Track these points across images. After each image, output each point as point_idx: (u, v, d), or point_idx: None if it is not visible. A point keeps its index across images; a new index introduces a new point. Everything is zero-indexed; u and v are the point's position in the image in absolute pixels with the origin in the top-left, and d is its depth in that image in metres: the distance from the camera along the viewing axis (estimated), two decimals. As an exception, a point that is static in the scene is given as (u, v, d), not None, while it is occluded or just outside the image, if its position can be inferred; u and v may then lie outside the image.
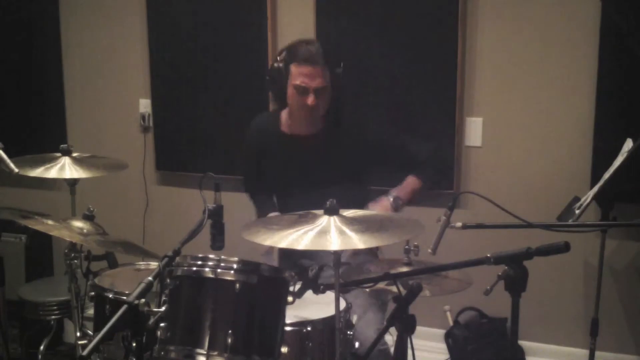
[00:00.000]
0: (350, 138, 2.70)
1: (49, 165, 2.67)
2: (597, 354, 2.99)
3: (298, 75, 2.54)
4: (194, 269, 1.92)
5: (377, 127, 2.88)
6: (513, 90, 3.22)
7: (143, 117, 3.87)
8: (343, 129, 2.71)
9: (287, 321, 2.04)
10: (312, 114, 2.61)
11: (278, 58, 2.61)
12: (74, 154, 2.75)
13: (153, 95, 3.83)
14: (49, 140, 3.76)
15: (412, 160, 2.73)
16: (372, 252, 2.68)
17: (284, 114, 2.77)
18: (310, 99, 2.54)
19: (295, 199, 2.58)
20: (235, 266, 1.90)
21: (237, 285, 1.88)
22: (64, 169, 2.68)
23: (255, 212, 2.92)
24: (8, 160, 2.34)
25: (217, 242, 2.04)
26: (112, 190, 3.89)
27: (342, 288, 2.04)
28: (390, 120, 3.33)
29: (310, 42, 2.66)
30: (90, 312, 2.50)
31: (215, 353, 1.84)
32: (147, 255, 2.44)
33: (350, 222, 1.98)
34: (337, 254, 1.96)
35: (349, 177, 2.69)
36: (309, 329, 2.16)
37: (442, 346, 3.24)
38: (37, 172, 2.63)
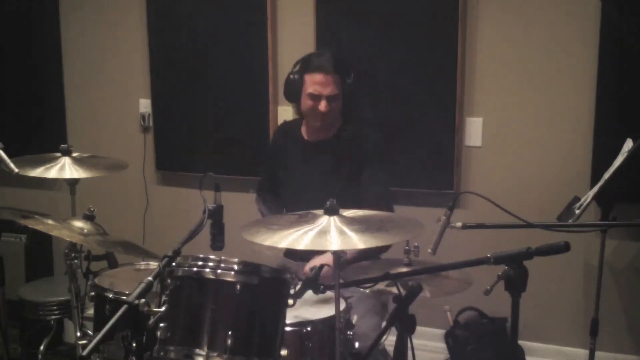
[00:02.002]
0: (355, 147, 2.80)
1: (49, 165, 2.67)
2: (597, 354, 2.99)
3: (311, 83, 2.69)
4: (195, 269, 1.91)
5: (378, 148, 2.84)
6: (513, 90, 3.22)
7: (143, 117, 3.87)
8: (351, 136, 2.82)
9: (287, 321, 2.04)
10: (324, 120, 2.75)
11: (293, 70, 2.77)
12: (74, 154, 2.76)
13: (153, 95, 3.83)
14: (49, 140, 3.75)
15: (369, 195, 2.70)
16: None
17: (305, 122, 2.90)
18: (322, 105, 2.68)
19: (306, 201, 2.61)
20: (235, 267, 1.90)
21: (238, 286, 1.88)
22: (64, 169, 2.68)
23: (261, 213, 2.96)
24: (8, 160, 2.33)
25: (217, 242, 2.04)
26: (112, 190, 3.89)
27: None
28: (390, 120, 3.34)
29: (323, 52, 2.86)
30: (90, 312, 2.51)
31: (215, 354, 1.84)
32: (147, 255, 2.44)
33: (350, 222, 1.98)
34: (337, 253, 1.97)
35: (353, 181, 2.76)
36: (308, 329, 2.16)
37: (442, 346, 3.24)
38: (37, 172, 2.63)
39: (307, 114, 2.78)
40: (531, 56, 3.16)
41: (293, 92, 2.76)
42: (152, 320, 1.87)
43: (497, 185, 3.24)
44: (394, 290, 1.95)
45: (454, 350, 3.19)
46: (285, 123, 3.14)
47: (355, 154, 2.79)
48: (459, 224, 1.98)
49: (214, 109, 3.69)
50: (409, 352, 1.93)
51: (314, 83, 2.68)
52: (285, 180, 2.91)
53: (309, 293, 1.97)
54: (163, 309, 1.89)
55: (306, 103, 2.73)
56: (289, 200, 2.86)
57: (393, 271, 2.04)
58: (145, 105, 3.87)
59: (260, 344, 1.90)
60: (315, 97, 2.69)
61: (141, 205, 3.92)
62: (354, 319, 2.30)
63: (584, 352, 3.11)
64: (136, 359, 1.90)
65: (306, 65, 2.73)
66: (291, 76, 2.76)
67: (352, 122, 2.86)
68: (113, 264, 2.49)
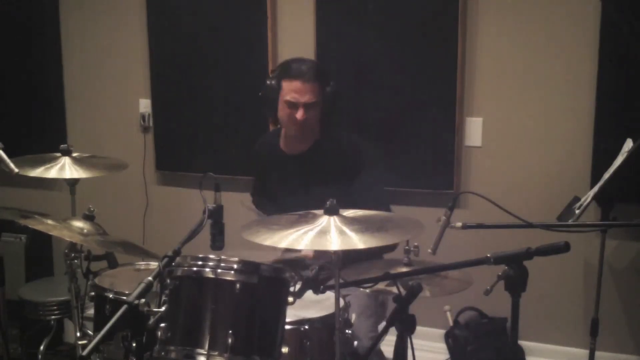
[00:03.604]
0: (335, 157, 2.72)
1: (49, 165, 2.67)
2: (597, 354, 2.99)
3: (289, 90, 2.60)
4: (194, 269, 1.91)
5: (361, 156, 2.76)
6: (513, 90, 3.22)
7: (143, 117, 3.87)
8: (332, 143, 2.74)
9: (287, 320, 2.04)
10: (301, 129, 2.66)
11: (271, 75, 2.68)
12: (74, 154, 2.76)
13: (153, 95, 3.83)
14: (49, 140, 3.75)
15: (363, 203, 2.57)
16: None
17: (283, 132, 2.81)
18: (299, 114, 2.60)
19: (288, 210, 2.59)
20: (235, 266, 1.90)
21: (238, 285, 1.88)
22: (64, 169, 2.68)
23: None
24: (8, 160, 2.33)
25: (217, 242, 2.05)
26: (112, 190, 3.89)
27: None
28: (390, 120, 3.34)
29: (303, 59, 2.72)
30: (90, 312, 2.51)
31: (216, 353, 1.84)
32: (147, 255, 2.44)
33: (350, 222, 1.98)
34: (337, 254, 1.96)
35: (335, 190, 2.64)
36: (307, 327, 2.16)
37: (442, 346, 3.24)
38: (37, 172, 2.63)
39: (284, 123, 2.69)
40: (531, 56, 3.16)
41: (270, 99, 2.65)
42: (152, 320, 1.87)
43: (497, 185, 3.24)
44: (394, 290, 1.95)
45: (454, 350, 3.19)
46: (259, 142, 3.02)
47: (335, 165, 2.70)
48: (459, 224, 1.98)
49: (213, 109, 3.69)
50: (409, 352, 1.93)
51: (291, 90, 2.59)
52: (272, 195, 2.87)
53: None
54: (163, 309, 1.89)
55: (283, 110, 2.64)
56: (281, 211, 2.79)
57: (393, 271, 2.04)
58: (145, 105, 3.87)
59: (261, 343, 1.90)
60: (292, 105, 2.60)
61: (141, 205, 3.92)
62: (353, 317, 2.30)
63: (584, 352, 3.11)
64: (136, 359, 1.90)
65: (284, 71, 2.64)
66: (268, 81, 2.66)
67: (331, 131, 2.76)
68: (113, 264, 2.49)
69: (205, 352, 1.84)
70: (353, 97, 3.32)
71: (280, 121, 2.71)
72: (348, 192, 2.64)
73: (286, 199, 2.75)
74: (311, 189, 2.70)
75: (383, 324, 2.03)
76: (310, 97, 2.60)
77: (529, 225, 1.89)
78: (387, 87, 3.34)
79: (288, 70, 2.63)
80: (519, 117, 3.22)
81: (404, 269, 2.20)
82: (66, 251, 2.50)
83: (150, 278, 1.79)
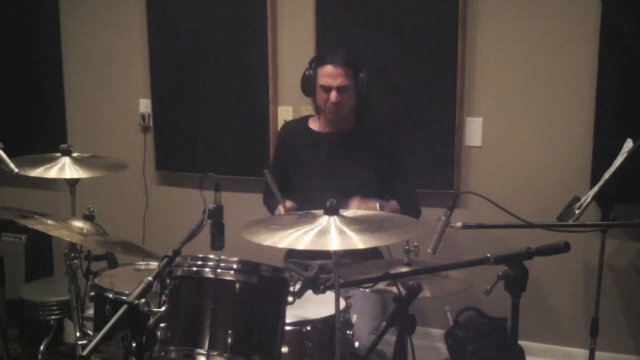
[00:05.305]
0: (372, 141, 2.89)
1: (49, 165, 2.68)
2: (597, 354, 2.99)
3: (322, 76, 2.78)
4: (194, 269, 1.92)
5: (399, 143, 2.99)
6: (513, 90, 3.22)
7: (143, 117, 3.87)
8: (368, 131, 2.91)
9: (287, 321, 2.04)
10: (336, 111, 2.81)
11: (308, 66, 2.87)
12: (74, 154, 2.76)
13: (153, 95, 3.83)
14: (49, 140, 3.75)
15: (399, 193, 2.84)
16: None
17: (313, 119, 2.99)
18: (332, 96, 2.75)
19: (315, 191, 2.80)
20: (235, 266, 1.90)
21: (237, 285, 1.88)
22: (64, 169, 2.68)
23: (265, 203, 3.07)
24: (8, 160, 2.34)
25: (217, 242, 2.05)
26: (112, 190, 3.89)
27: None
28: (390, 120, 3.33)
29: (337, 47, 2.95)
30: (90, 312, 2.51)
31: (215, 353, 1.84)
32: (147, 255, 2.44)
33: (350, 222, 1.98)
34: (337, 253, 1.97)
35: (365, 175, 2.84)
36: (308, 328, 2.16)
37: (442, 346, 3.24)
38: (37, 172, 2.63)
39: (321, 108, 2.85)
40: (531, 56, 3.16)
41: (308, 87, 2.86)
42: (152, 320, 1.87)
43: (497, 185, 3.24)
44: (394, 290, 1.95)
45: (454, 350, 3.19)
46: (288, 123, 3.22)
47: (370, 150, 2.85)
48: (459, 224, 1.98)
49: (214, 109, 3.69)
50: (409, 352, 1.93)
51: (324, 75, 2.76)
52: (300, 175, 2.93)
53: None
54: (163, 309, 1.89)
55: (319, 96, 2.81)
56: (306, 192, 2.85)
57: (393, 271, 2.04)
58: (145, 105, 3.87)
59: (261, 343, 1.90)
60: (326, 89, 2.76)
61: (141, 205, 3.92)
62: (354, 318, 2.30)
63: (584, 352, 3.11)
64: (136, 359, 1.90)
65: (318, 59, 2.84)
66: (306, 72, 2.85)
67: (369, 118, 2.92)
68: (113, 264, 2.49)
69: (205, 352, 1.85)
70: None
71: (318, 107, 2.89)
72: (380, 180, 2.84)
73: (313, 173, 2.87)
74: (348, 166, 2.85)
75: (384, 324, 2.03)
76: (342, 81, 2.75)
77: (529, 225, 1.89)
78: (387, 88, 3.33)
79: (322, 57, 2.83)
80: (519, 117, 3.22)
81: (404, 269, 2.20)
82: (66, 251, 2.50)
83: (150, 278, 1.79)
